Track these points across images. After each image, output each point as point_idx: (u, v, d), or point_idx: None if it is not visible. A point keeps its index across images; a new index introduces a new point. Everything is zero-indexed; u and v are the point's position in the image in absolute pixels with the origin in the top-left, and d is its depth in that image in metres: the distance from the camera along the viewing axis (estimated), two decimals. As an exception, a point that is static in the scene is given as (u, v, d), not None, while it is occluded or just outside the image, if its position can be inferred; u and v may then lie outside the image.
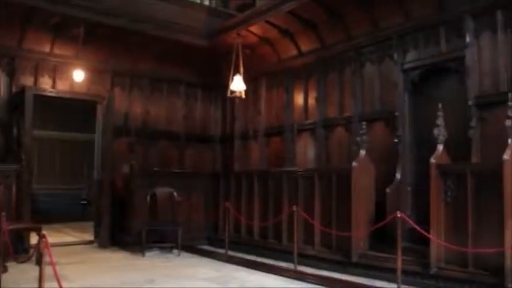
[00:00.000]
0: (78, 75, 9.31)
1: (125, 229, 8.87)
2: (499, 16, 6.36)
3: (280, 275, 6.54)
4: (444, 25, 6.94)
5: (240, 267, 7.15)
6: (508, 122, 5.39)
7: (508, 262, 4.88)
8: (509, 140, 5.33)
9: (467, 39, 6.61)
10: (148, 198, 8.41)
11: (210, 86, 11.31)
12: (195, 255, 8.24)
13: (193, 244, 8.83)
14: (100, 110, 9.69)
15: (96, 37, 9.20)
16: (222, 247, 8.26)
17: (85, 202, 13.61)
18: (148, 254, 8.07)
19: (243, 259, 7.60)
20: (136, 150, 9.82)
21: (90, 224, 10.14)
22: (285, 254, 7.29)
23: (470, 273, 5.22)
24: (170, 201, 8.65)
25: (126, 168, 9.42)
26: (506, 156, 5.09)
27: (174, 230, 8.34)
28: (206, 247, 8.97)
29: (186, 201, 8.99)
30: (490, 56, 6.46)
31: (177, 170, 10.19)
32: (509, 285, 4.83)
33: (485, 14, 6.50)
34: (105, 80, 9.88)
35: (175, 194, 8.64)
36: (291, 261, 6.87)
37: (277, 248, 7.71)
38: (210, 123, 11.50)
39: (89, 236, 9.63)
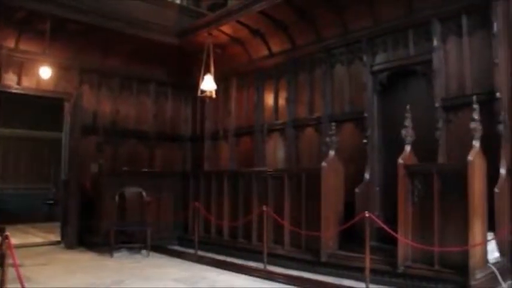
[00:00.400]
0: (45, 72, 9.09)
1: (93, 229, 8.73)
2: (464, 21, 6.53)
3: (250, 275, 6.56)
4: (412, 29, 7.09)
5: (209, 267, 7.14)
6: (472, 124, 5.54)
7: (472, 260, 5.01)
8: (474, 142, 5.48)
9: (435, 43, 6.76)
10: (116, 198, 8.30)
11: (180, 85, 11.25)
12: (164, 256, 8.17)
13: (162, 244, 8.75)
14: (68, 108, 9.53)
15: (64, 33, 9.03)
16: (191, 247, 8.22)
17: (51, 202, 13.34)
18: (116, 254, 7.97)
19: (213, 259, 7.57)
20: (105, 150, 9.69)
21: (56, 225, 9.95)
22: (254, 254, 7.30)
23: (437, 272, 5.33)
24: (139, 201, 8.56)
25: (94, 168, 9.29)
26: (470, 157, 5.22)
27: (143, 230, 8.26)
28: (176, 247, 8.90)
29: (156, 201, 8.90)
30: (456, 60, 6.63)
31: (146, 170, 10.10)
32: (473, 283, 4.95)
33: (452, 19, 6.66)
34: (73, 78, 9.71)
35: (144, 194, 8.56)
36: (261, 261, 6.88)
37: (247, 248, 7.72)
38: (181, 123, 11.44)
39: (56, 237, 9.44)
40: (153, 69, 10.78)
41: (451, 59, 6.70)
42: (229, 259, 7.57)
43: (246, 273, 6.64)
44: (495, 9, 6.18)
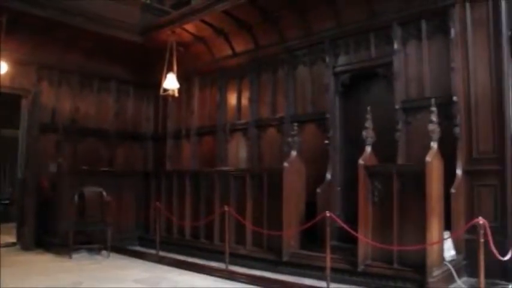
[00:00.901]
0: (1, 67, 8.79)
1: (51, 230, 8.52)
2: (424, 25, 6.70)
3: (212, 275, 6.54)
4: (374, 32, 7.22)
5: (171, 268, 7.08)
6: (430, 126, 5.70)
7: (429, 258, 5.14)
8: (432, 143, 5.63)
9: (395, 46, 6.91)
10: (76, 198, 8.12)
11: (142, 83, 11.09)
12: (125, 256, 8.06)
13: (123, 245, 8.63)
14: (25, 105, 9.27)
15: (21, 28, 8.74)
16: (153, 247, 8.13)
17: (7, 202, 12.92)
18: (75, 255, 7.80)
19: (175, 259, 7.51)
20: (64, 148, 9.45)
21: (12, 225, 9.62)
22: (216, 254, 7.28)
23: (395, 270, 5.45)
24: (99, 201, 8.39)
25: (53, 167, 9.06)
26: (428, 159, 5.36)
27: (103, 231, 8.11)
28: (137, 248, 8.79)
29: (116, 201, 8.74)
30: (416, 63, 6.79)
31: (107, 169, 9.91)
32: (430, 280, 5.09)
33: (412, 23, 6.82)
34: (31, 74, 9.42)
35: (104, 193, 8.40)
36: (223, 261, 6.87)
37: (208, 248, 7.69)
38: (142, 122, 11.29)
39: (11, 238, 9.16)
40: (115, 67, 10.59)
41: (411, 62, 6.85)
42: (191, 259, 7.52)
43: (207, 274, 6.62)
44: (452, 14, 6.37)
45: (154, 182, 9.17)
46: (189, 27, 9.19)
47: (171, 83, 9.12)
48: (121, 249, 8.39)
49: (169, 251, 8.08)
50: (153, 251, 8.07)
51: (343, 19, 7.55)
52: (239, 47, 9.26)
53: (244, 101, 9.26)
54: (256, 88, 9.07)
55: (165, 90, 9.18)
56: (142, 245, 8.96)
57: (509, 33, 6.08)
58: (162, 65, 9.29)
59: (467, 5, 6.33)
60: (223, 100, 9.66)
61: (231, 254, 6.93)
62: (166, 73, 9.17)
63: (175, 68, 9.16)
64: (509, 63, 6.07)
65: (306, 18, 7.99)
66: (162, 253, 7.92)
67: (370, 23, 7.23)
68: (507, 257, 5.12)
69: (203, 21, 8.89)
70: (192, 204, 8.28)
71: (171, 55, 9.25)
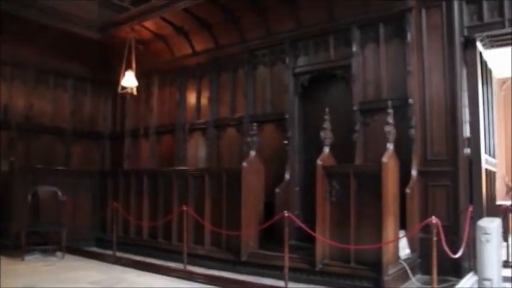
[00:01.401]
0: None
1: (3, 231, 8.21)
2: (382, 29, 6.85)
3: (170, 276, 6.48)
4: (333, 34, 7.33)
5: (128, 269, 6.97)
6: (387, 128, 5.84)
7: (385, 257, 5.26)
8: (388, 144, 5.76)
9: (354, 48, 7.03)
10: (29, 197, 7.88)
11: (100, 80, 10.85)
12: (81, 258, 7.87)
13: (79, 246, 8.42)
14: (-25, 101, 8.93)
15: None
16: (110, 248, 7.98)
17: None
18: (28, 257, 7.56)
19: (132, 260, 7.39)
20: (17, 146, 9.15)
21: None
22: (175, 254, 7.21)
23: (353, 269, 5.55)
24: (54, 200, 8.17)
25: (4, 165, 8.74)
26: (384, 159, 5.49)
27: (58, 232, 7.90)
28: (93, 249, 8.61)
29: (72, 201, 8.54)
30: (374, 66, 6.93)
31: (62, 168, 9.65)
32: (386, 278, 5.21)
33: (370, 26, 6.96)
34: (-19, 68, 9.08)
35: (59, 193, 8.19)
36: (181, 261, 6.81)
37: (167, 248, 7.61)
38: (100, 120, 11.05)
39: (-41, 239, 8.81)
40: (72, 64, 10.30)
41: (369, 64, 6.99)
42: (148, 260, 7.42)
43: (165, 274, 6.55)
44: (408, 19, 6.54)
45: (112, 182, 9.02)
46: (149, 24, 9.08)
47: (129, 81, 8.98)
48: (77, 250, 8.19)
49: (127, 251, 7.95)
50: (110, 252, 7.92)
51: (303, 21, 7.62)
52: (199, 46, 9.21)
53: (204, 101, 9.22)
54: (215, 88, 9.04)
55: (124, 88, 9.04)
56: (99, 246, 8.78)
57: (462, 39, 6.30)
58: (120, 63, 9.15)
59: (423, 10, 6.52)
60: (183, 99, 9.58)
61: (190, 254, 6.89)
62: (125, 71, 9.03)
63: (134, 65, 9.03)
64: (462, 68, 6.29)
65: (266, 19, 8.02)
66: (119, 254, 7.79)
67: (329, 25, 7.33)
68: (458, 255, 5.32)
69: (163, 19, 8.80)
70: (150, 204, 8.18)
71: (129, 53, 9.12)
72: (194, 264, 6.84)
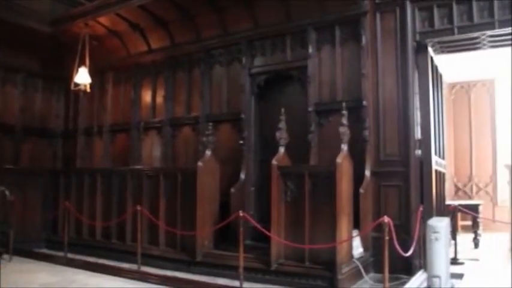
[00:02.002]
0: None
1: None
2: (338, 32, 6.96)
3: (123, 277, 6.38)
4: (290, 35, 7.39)
5: (80, 270, 6.80)
6: (341, 129, 5.94)
7: (338, 256, 5.35)
8: (342, 145, 5.86)
9: (310, 50, 7.10)
10: (-26, 197, 7.59)
11: (52, 77, 10.47)
12: (30, 260, 7.61)
13: (28, 247, 8.16)
14: None
15: None
16: (61, 250, 7.77)
17: None
18: (-28, 259, 7.27)
19: (84, 261, 7.23)
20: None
21: None
22: (129, 255, 7.10)
23: (307, 268, 5.61)
24: (1, 200, 7.87)
25: None
26: (339, 160, 5.59)
27: (5, 233, 7.61)
28: (43, 250, 8.36)
29: (21, 201, 8.26)
30: (329, 67, 7.03)
31: (11, 166, 9.27)
32: (340, 277, 5.30)
33: (326, 29, 7.06)
34: None
35: (7, 192, 7.88)
36: (135, 262, 6.71)
37: (120, 249, 7.48)
38: (52, 117, 10.66)
39: None
40: (22, 58, 9.88)
41: (324, 66, 7.08)
42: (101, 261, 7.27)
43: (119, 275, 6.44)
44: (363, 23, 6.66)
45: (64, 181, 8.78)
46: (104, 20, 8.88)
47: (82, 77, 8.77)
48: (26, 252, 7.93)
49: (79, 252, 7.76)
50: (61, 254, 7.71)
51: (260, 21, 7.64)
52: (155, 44, 9.08)
53: (159, 99, 9.09)
54: (171, 86, 8.93)
55: (77, 84, 8.81)
56: (49, 248, 8.53)
57: (414, 43, 6.48)
58: (74, 59, 8.92)
59: (378, 15, 6.67)
60: (138, 97, 9.42)
61: (144, 255, 6.80)
62: (78, 67, 8.80)
63: (87, 62, 8.82)
64: (414, 72, 6.47)
65: (223, 18, 8.00)
66: (71, 255, 7.59)
67: (286, 26, 7.38)
68: (409, 253, 5.47)
69: (118, 15, 8.63)
70: (103, 204, 8.02)
71: (83, 48, 8.90)
72: (148, 265, 6.76)
